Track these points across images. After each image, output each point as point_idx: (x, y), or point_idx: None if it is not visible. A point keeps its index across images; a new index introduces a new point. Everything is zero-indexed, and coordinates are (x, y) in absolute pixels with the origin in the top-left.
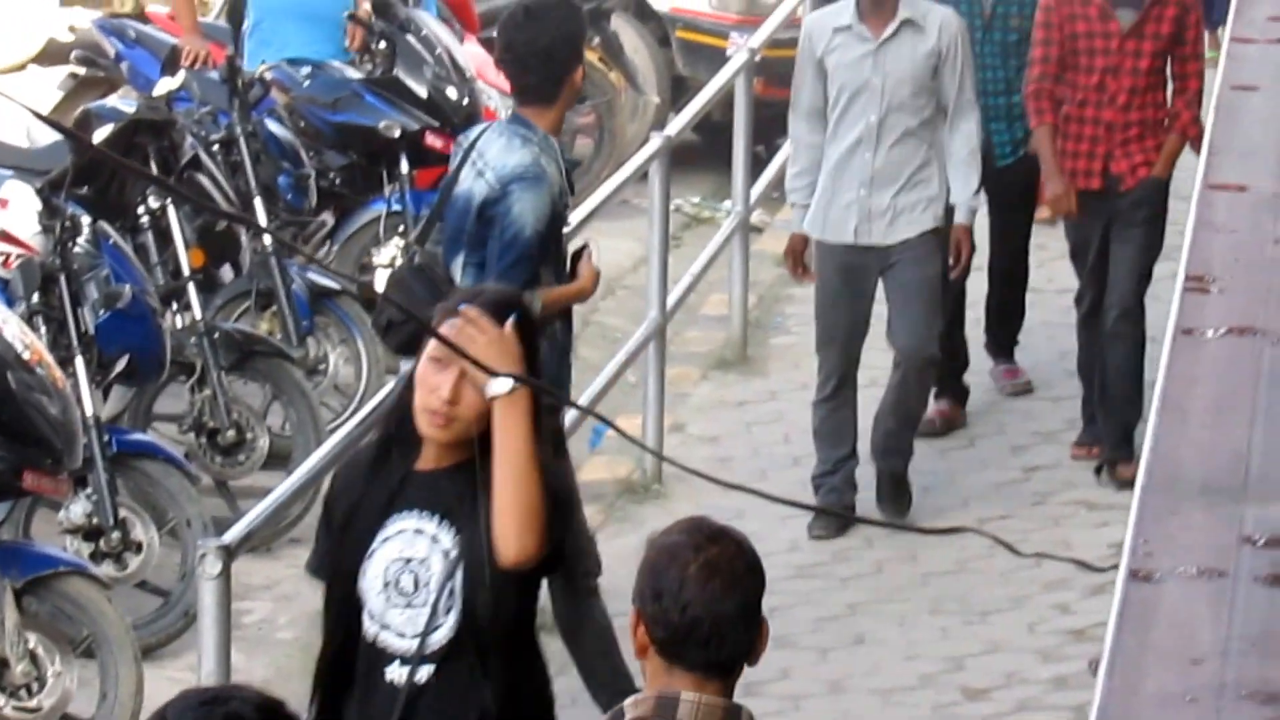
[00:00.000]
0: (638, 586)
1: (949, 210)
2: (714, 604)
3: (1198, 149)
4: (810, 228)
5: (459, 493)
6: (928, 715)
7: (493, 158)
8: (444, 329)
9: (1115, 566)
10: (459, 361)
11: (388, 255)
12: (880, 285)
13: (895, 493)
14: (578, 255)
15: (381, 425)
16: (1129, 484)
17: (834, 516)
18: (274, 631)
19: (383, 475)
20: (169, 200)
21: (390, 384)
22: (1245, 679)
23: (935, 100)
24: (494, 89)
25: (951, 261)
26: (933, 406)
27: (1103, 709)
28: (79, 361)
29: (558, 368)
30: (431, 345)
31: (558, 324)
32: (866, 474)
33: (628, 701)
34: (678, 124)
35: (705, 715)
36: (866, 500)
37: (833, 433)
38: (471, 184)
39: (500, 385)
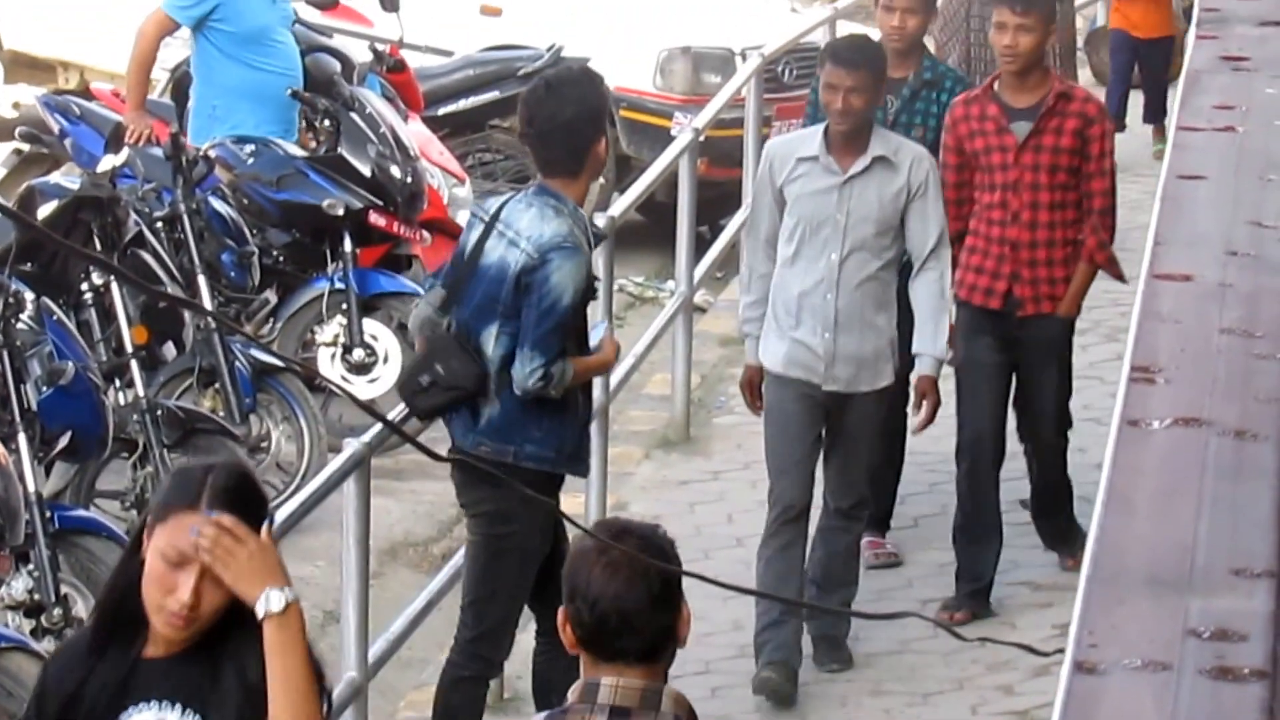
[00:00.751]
0: (564, 588)
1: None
2: (619, 599)
3: (1113, 273)
4: (766, 359)
5: (200, 678)
6: None
7: (525, 227)
8: (188, 538)
9: (1060, 651)
10: (197, 560)
11: (330, 333)
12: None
13: (831, 651)
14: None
15: (99, 610)
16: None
17: (781, 676)
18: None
19: (105, 664)
20: (112, 277)
21: (331, 463)
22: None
23: (899, 243)
24: (436, 168)
25: (913, 413)
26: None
27: None
28: (21, 438)
29: (576, 440)
30: (166, 541)
31: (579, 395)
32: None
33: (570, 690)
34: (621, 204)
35: (623, 697)
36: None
37: (779, 578)
38: (504, 253)
39: (274, 602)
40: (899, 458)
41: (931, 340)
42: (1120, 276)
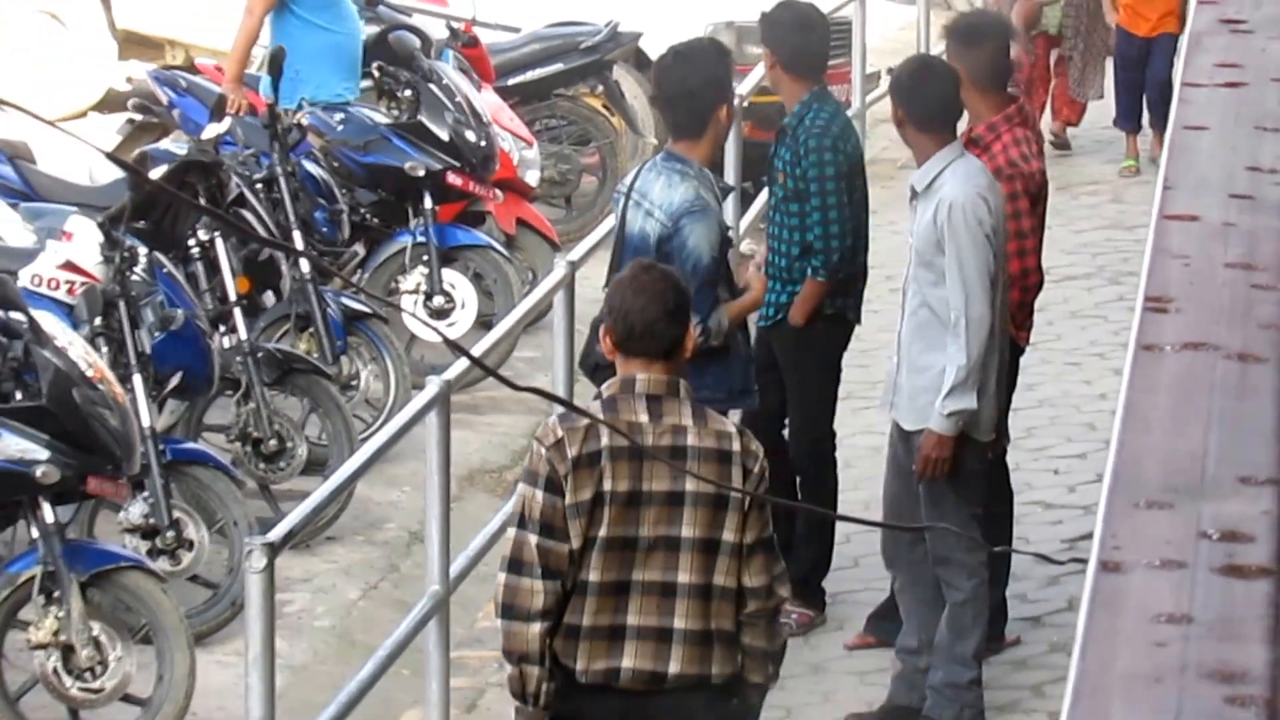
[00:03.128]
0: (604, 307)
1: None
2: (643, 313)
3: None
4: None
5: None
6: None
7: (657, 196)
8: None
9: (1074, 559)
10: None
11: (413, 282)
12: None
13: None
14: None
15: None
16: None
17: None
18: (312, 620)
19: None
20: (217, 232)
21: (415, 399)
22: (1205, 660)
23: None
24: (507, 133)
25: (919, 469)
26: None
27: (1076, 686)
28: (136, 379)
29: (743, 377)
30: None
31: (739, 335)
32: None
33: (603, 385)
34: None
35: (654, 386)
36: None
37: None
38: (643, 224)
39: None
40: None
41: (959, 397)
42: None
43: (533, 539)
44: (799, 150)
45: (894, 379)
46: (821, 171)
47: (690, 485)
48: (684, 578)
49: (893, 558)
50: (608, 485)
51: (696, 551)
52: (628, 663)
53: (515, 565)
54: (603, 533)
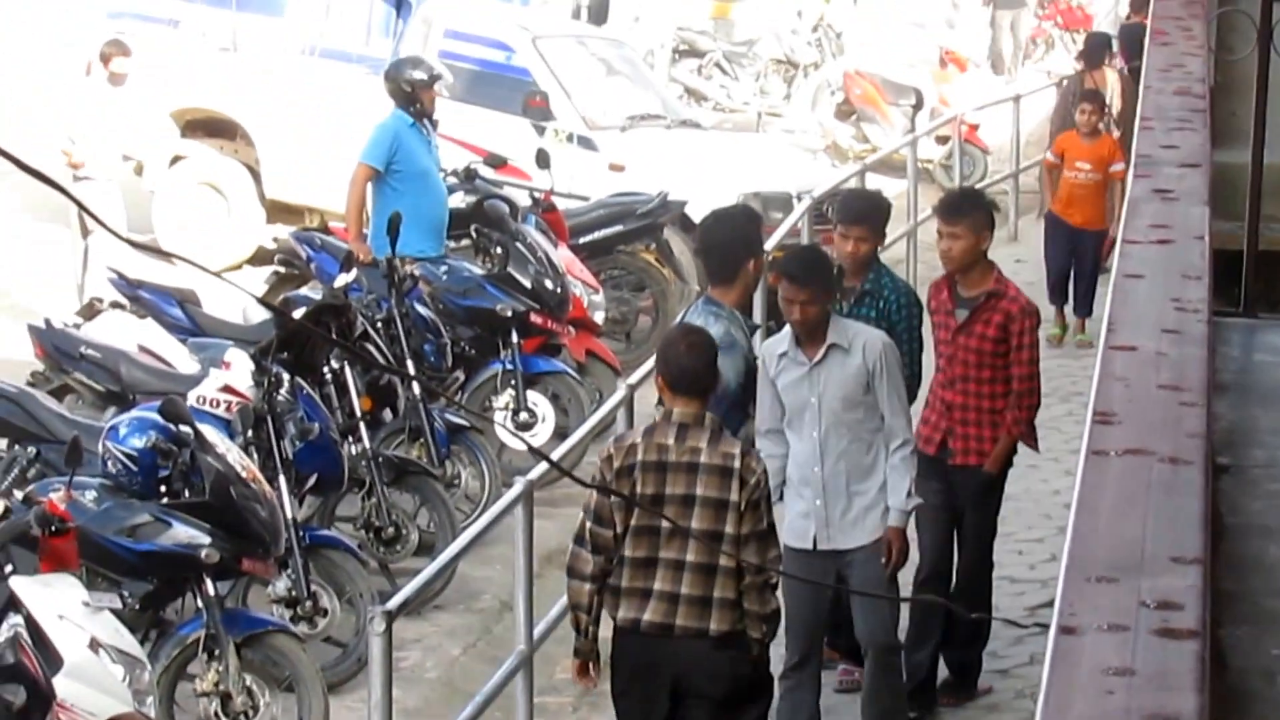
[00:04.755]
0: (657, 359)
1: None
2: (689, 364)
3: (1029, 442)
4: (786, 534)
5: None
6: None
7: None
8: None
9: (1035, 624)
10: None
11: (503, 401)
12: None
13: None
14: None
15: None
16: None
17: None
18: (423, 673)
19: None
20: (346, 361)
21: (505, 495)
22: (1145, 706)
23: (874, 413)
24: (579, 281)
25: (884, 561)
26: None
27: None
28: (281, 479)
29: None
30: None
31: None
32: None
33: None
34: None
35: (686, 418)
36: None
37: (791, 711)
38: None
39: None
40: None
41: (895, 495)
42: (1034, 447)
43: (589, 525)
44: (889, 306)
45: (822, 516)
46: (912, 323)
47: (700, 490)
48: (691, 558)
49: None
50: (639, 489)
51: (701, 539)
52: (647, 616)
53: (579, 541)
54: (635, 523)
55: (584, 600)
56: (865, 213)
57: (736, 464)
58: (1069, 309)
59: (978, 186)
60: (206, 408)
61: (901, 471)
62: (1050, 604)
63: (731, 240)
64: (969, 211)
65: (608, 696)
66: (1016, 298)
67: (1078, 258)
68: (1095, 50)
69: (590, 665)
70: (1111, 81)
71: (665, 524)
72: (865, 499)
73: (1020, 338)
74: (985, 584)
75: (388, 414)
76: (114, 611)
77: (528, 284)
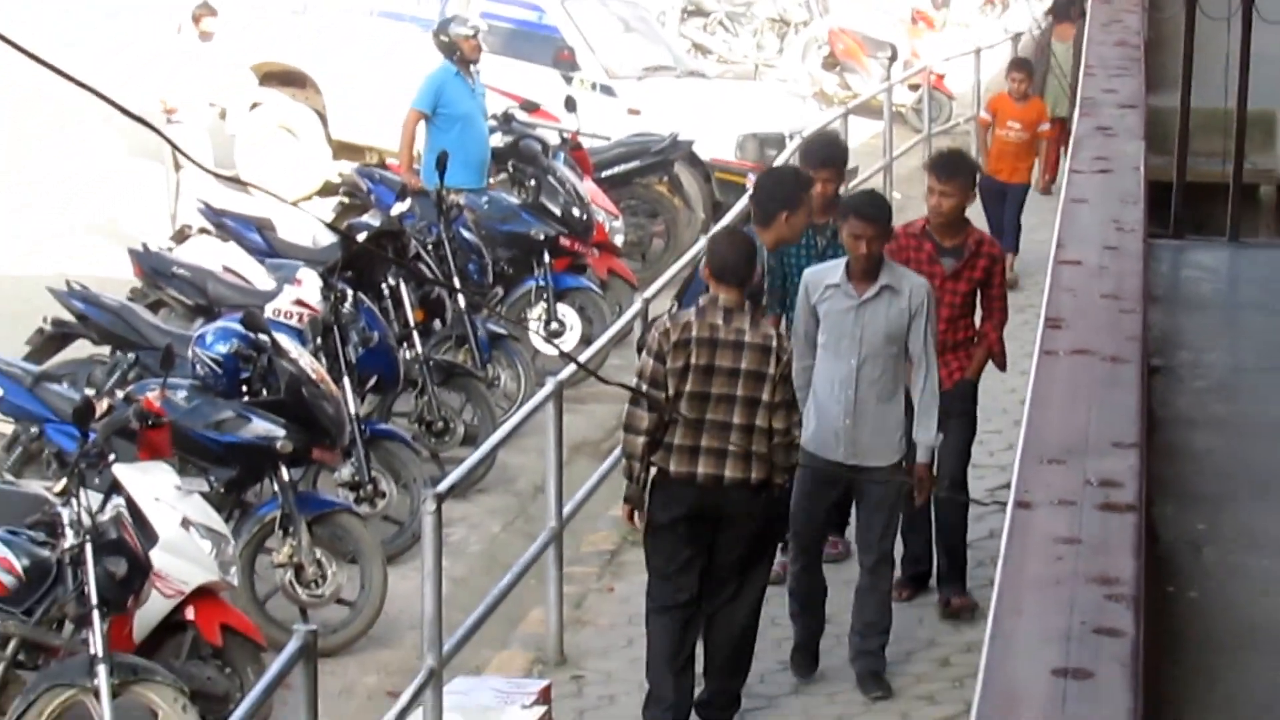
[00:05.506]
0: (707, 253)
1: (910, 443)
2: (732, 257)
3: (999, 363)
4: (803, 437)
5: None
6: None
7: None
8: None
9: (995, 502)
10: None
11: (536, 313)
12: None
13: (875, 683)
14: None
15: None
16: (960, 613)
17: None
18: (468, 547)
19: None
20: (402, 279)
21: (538, 393)
22: (1090, 570)
23: (904, 350)
24: (601, 209)
25: (917, 495)
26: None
27: (1000, 588)
28: (345, 380)
29: None
30: None
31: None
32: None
33: (700, 297)
34: (650, 290)
35: (730, 303)
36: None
37: (806, 596)
38: None
39: None
40: None
41: (926, 432)
42: (1002, 365)
43: (645, 386)
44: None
45: (851, 432)
46: None
47: (744, 364)
48: (736, 419)
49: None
50: (694, 360)
51: (744, 405)
52: (701, 469)
53: (634, 402)
54: (688, 388)
55: (638, 451)
56: (830, 156)
57: (774, 343)
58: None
59: (944, 126)
60: (281, 319)
61: (930, 407)
62: (1008, 485)
63: (773, 193)
64: (961, 173)
65: (627, 565)
66: (994, 243)
67: (1004, 207)
68: (1063, 6)
69: (636, 509)
70: (1076, 33)
71: (714, 390)
72: (888, 423)
73: (999, 275)
74: (965, 479)
75: (437, 324)
76: (202, 494)
77: (558, 212)
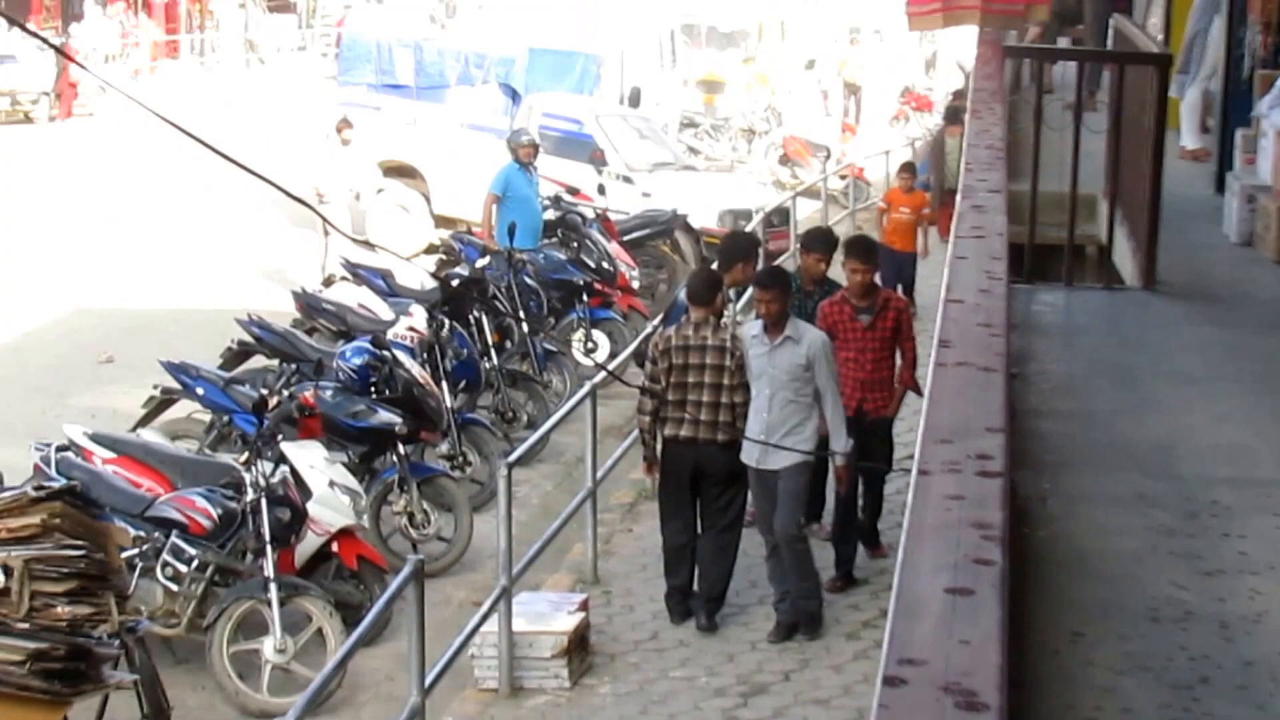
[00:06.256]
0: (685, 285)
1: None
2: (699, 286)
3: (918, 393)
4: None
5: None
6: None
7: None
8: None
9: (903, 470)
10: None
11: (578, 336)
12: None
13: (811, 623)
14: None
15: None
16: (880, 558)
17: (785, 631)
18: (529, 501)
19: None
20: (483, 311)
21: (578, 393)
22: (970, 518)
23: (807, 385)
24: (624, 263)
25: (840, 488)
26: None
27: (908, 532)
28: (443, 383)
29: None
30: None
31: None
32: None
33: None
34: (656, 320)
35: (697, 317)
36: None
37: (774, 574)
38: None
39: None
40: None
41: (838, 442)
42: (920, 393)
43: (648, 384)
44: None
45: (764, 447)
46: None
47: (709, 360)
48: (706, 398)
49: (767, 532)
50: (674, 360)
51: (711, 389)
52: (682, 432)
53: (642, 393)
54: (674, 380)
55: (647, 425)
56: (822, 242)
57: (729, 344)
58: None
59: (864, 204)
60: (398, 340)
61: (839, 424)
62: (912, 457)
63: (734, 250)
64: (871, 257)
65: (642, 514)
66: (900, 298)
67: (898, 269)
68: (952, 114)
69: (651, 465)
70: (962, 132)
71: (690, 379)
72: (792, 438)
73: (908, 325)
74: (882, 486)
75: (508, 344)
76: (343, 464)
77: (592, 265)
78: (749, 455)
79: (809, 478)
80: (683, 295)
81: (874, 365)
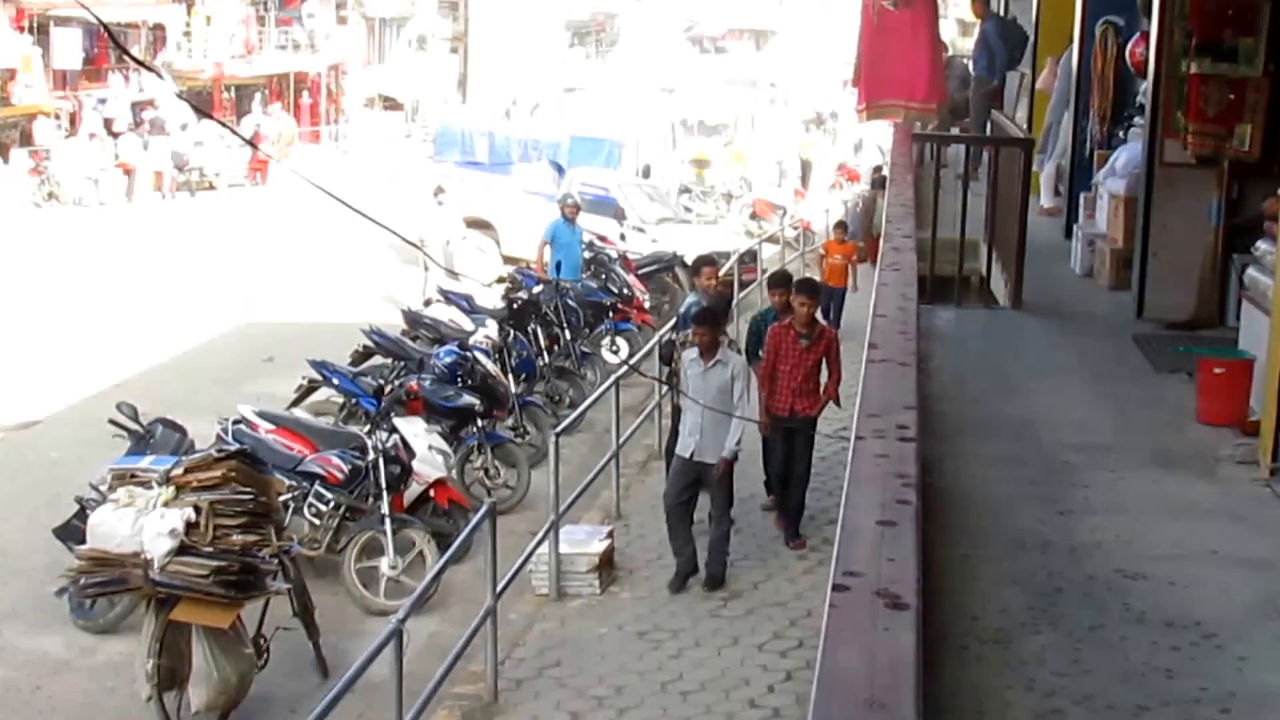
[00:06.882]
0: (693, 314)
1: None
2: (701, 312)
3: (837, 403)
4: (679, 447)
5: None
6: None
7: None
8: None
9: (841, 437)
10: None
11: (605, 341)
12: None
13: (716, 572)
14: None
15: None
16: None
17: (682, 576)
18: (571, 458)
19: None
20: (538, 324)
21: (606, 381)
22: (893, 470)
23: (732, 397)
24: (638, 289)
25: (716, 472)
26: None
27: (850, 479)
28: (510, 376)
29: None
30: None
31: None
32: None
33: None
34: (663, 331)
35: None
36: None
37: (677, 537)
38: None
39: None
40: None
41: (730, 440)
42: (839, 404)
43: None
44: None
45: (701, 443)
46: None
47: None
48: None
49: (674, 508)
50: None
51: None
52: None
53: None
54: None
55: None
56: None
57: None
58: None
59: (812, 249)
60: (478, 345)
61: (736, 429)
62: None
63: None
64: (815, 293)
65: (652, 469)
66: (831, 331)
67: (834, 301)
68: (878, 182)
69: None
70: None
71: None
72: (720, 439)
73: (836, 348)
74: (809, 468)
75: (556, 348)
76: (439, 433)
77: (616, 291)
78: (685, 448)
79: (732, 476)
80: (682, 309)
81: (804, 378)
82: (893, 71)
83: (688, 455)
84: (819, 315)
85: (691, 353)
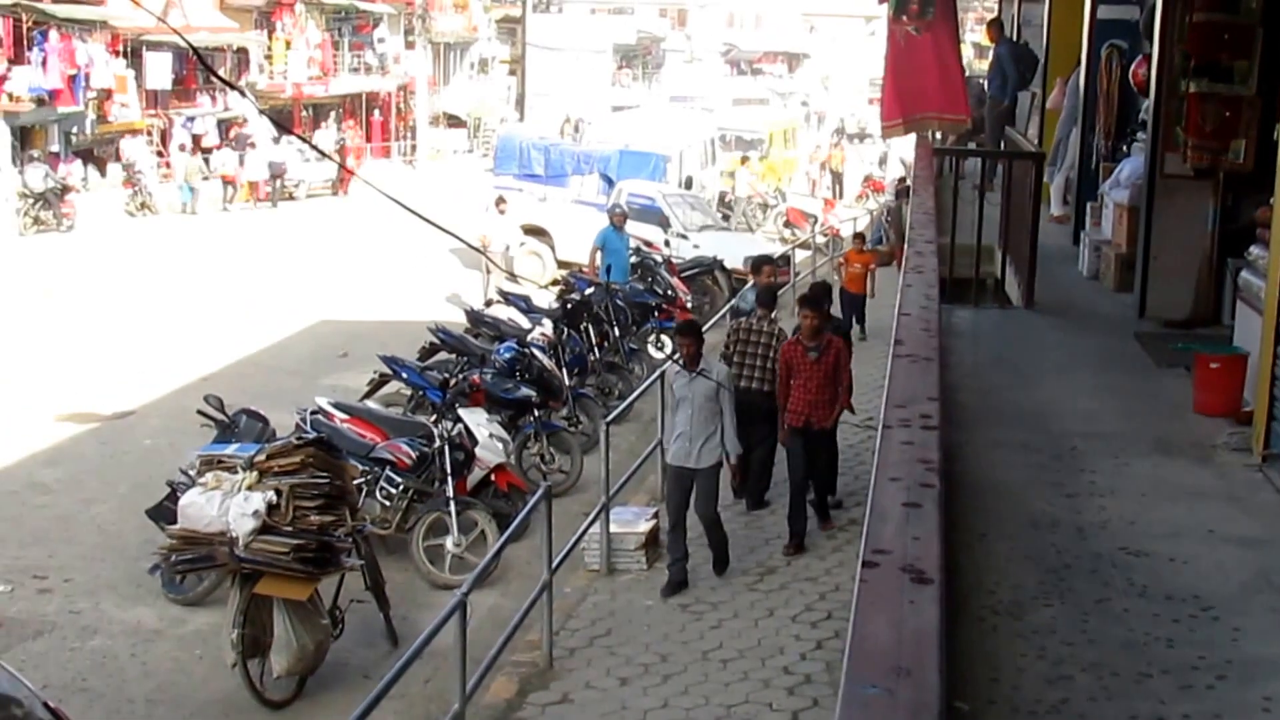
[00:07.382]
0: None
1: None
2: (765, 297)
3: (851, 411)
4: (670, 456)
5: None
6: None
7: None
8: None
9: (869, 427)
10: None
11: (652, 338)
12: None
13: (721, 559)
14: None
15: None
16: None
17: (673, 588)
18: (620, 446)
19: None
20: (590, 322)
21: (650, 376)
22: (918, 456)
23: (716, 406)
24: (681, 290)
25: (734, 482)
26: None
27: (877, 466)
28: (563, 369)
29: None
30: None
31: None
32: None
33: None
34: (706, 327)
35: (763, 317)
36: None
37: (675, 547)
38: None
39: None
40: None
41: (731, 444)
42: (853, 411)
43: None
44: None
45: (689, 449)
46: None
47: (764, 340)
48: (759, 362)
49: (673, 512)
50: (742, 338)
51: (762, 355)
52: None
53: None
54: (736, 350)
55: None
56: (815, 302)
57: (776, 333)
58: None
59: (840, 254)
60: (535, 341)
61: (731, 432)
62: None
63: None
64: (820, 306)
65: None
66: (838, 341)
67: (855, 308)
68: (902, 192)
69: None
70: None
71: (749, 350)
72: (708, 445)
73: (845, 360)
74: (834, 472)
75: (606, 344)
76: (499, 422)
77: (661, 292)
78: (676, 457)
79: (718, 479)
80: (743, 303)
81: (818, 389)
82: (924, 88)
83: (679, 463)
84: (850, 320)
85: (678, 365)
